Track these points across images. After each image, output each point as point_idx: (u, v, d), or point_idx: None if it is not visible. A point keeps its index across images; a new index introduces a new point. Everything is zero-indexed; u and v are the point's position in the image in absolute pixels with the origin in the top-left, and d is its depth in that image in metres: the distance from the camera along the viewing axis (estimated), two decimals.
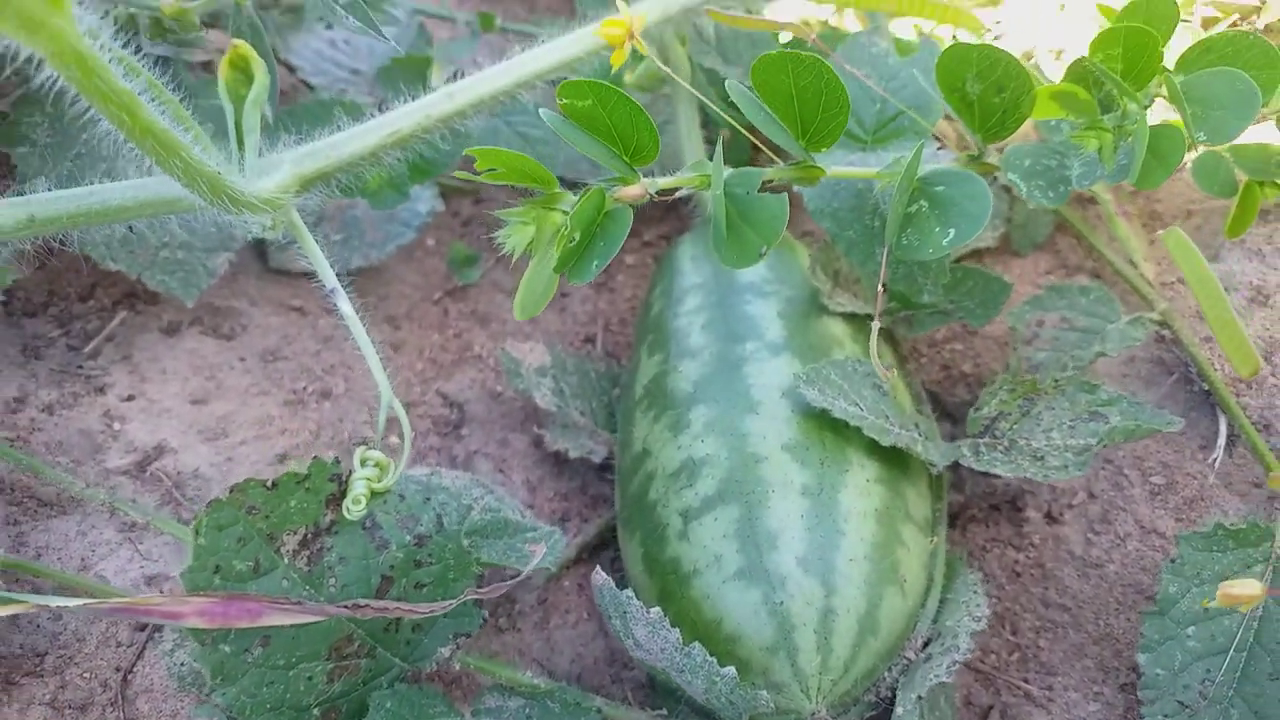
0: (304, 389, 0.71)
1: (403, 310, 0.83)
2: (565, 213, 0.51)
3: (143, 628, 0.55)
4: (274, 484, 0.48)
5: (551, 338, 0.84)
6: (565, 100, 0.50)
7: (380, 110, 0.62)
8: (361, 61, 0.88)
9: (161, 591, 0.55)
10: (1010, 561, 0.70)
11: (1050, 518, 0.71)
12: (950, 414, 0.76)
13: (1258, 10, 0.85)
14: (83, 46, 0.37)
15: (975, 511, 0.71)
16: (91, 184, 0.54)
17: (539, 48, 0.65)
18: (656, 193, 0.53)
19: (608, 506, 0.74)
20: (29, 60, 0.41)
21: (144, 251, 0.66)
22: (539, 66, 0.64)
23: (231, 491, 0.46)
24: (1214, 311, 0.66)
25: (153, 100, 0.44)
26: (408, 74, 0.79)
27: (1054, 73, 0.83)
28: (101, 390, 0.65)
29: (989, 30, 0.91)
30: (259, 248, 0.79)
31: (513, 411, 0.78)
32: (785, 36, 0.83)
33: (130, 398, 0.66)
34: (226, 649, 0.46)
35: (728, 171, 0.53)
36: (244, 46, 0.52)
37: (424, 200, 0.82)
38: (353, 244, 0.79)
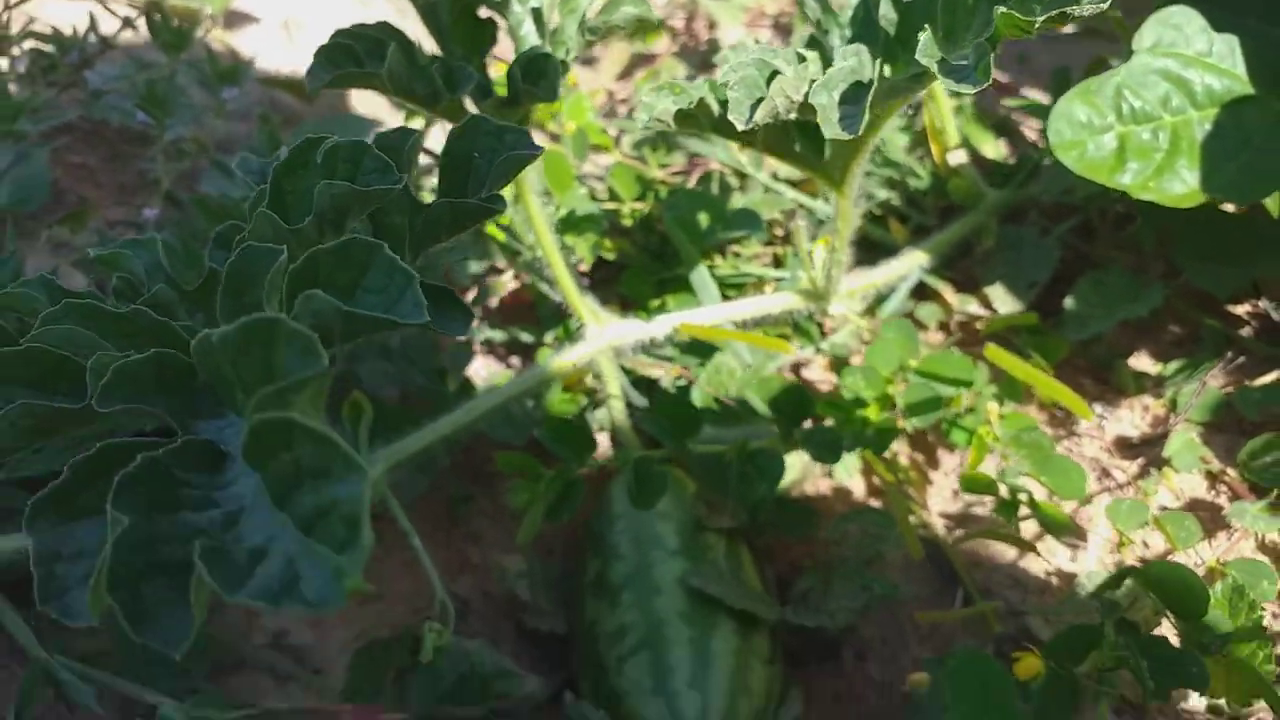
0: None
1: (423, 533, 1.21)
2: (546, 484, 0.91)
3: None
4: (384, 643, 0.85)
5: (525, 551, 1.22)
6: (546, 430, 0.91)
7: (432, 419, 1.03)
8: None
9: None
10: (834, 688, 1.07)
11: (859, 657, 1.09)
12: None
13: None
14: None
15: (808, 656, 1.10)
16: None
17: (523, 376, 1.07)
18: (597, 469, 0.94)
19: (566, 666, 1.10)
20: None
21: None
22: (525, 387, 1.06)
23: (368, 644, 0.84)
24: (1042, 384, 1.05)
25: None
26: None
27: None
28: None
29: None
30: None
31: (498, 604, 1.15)
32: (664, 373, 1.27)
33: None
34: None
35: (638, 455, 0.95)
36: (360, 397, 0.93)
37: (436, 461, 1.22)
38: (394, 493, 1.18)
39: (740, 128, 0.78)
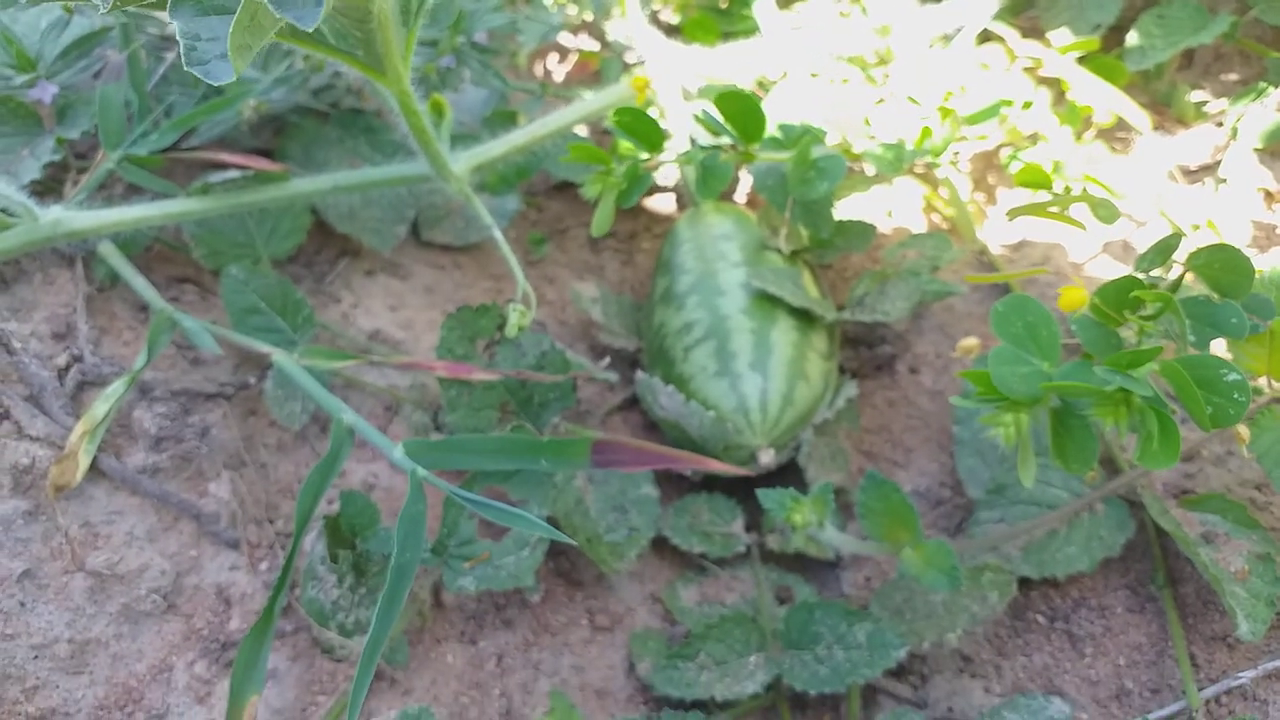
0: (450, 306, 1.16)
1: (499, 271, 1.28)
2: (617, 174, 0.96)
3: (388, 407, 1.00)
4: (474, 309, 0.93)
5: (599, 282, 1.29)
6: (616, 117, 0.95)
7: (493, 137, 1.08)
8: (465, 113, 1.35)
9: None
10: (888, 396, 1.14)
11: (912, 370, 1.15)
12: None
13: None
14: (408, 88, 0.82)
15: (866, 370, 1.16)
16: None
17: (589, 98, 1.11)
18: (661, 163, 0.98)
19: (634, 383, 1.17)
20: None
21: (360, 221, 1.12)
22: (591, 109, 1.11)
23: (458, 310, 0.91)
24: (1100, 90, 1.10)
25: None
26: (503, 119, 1.25)
27: None
28: (338, 301, 1.11)
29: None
30: (413, 229, 1.24)
31: (574, 328, 1.23)
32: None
33: (355, 305, 1.11)
34: (454, 391, 0.90)
35: (703, 154, 0.99)
36: (441, 99, 0.98)
37: (512, 202, 1.27)
38: (472, 227, 1.25)
39: None
